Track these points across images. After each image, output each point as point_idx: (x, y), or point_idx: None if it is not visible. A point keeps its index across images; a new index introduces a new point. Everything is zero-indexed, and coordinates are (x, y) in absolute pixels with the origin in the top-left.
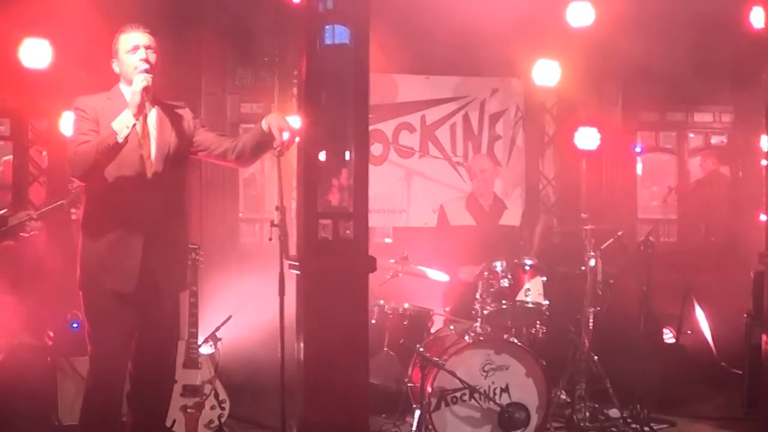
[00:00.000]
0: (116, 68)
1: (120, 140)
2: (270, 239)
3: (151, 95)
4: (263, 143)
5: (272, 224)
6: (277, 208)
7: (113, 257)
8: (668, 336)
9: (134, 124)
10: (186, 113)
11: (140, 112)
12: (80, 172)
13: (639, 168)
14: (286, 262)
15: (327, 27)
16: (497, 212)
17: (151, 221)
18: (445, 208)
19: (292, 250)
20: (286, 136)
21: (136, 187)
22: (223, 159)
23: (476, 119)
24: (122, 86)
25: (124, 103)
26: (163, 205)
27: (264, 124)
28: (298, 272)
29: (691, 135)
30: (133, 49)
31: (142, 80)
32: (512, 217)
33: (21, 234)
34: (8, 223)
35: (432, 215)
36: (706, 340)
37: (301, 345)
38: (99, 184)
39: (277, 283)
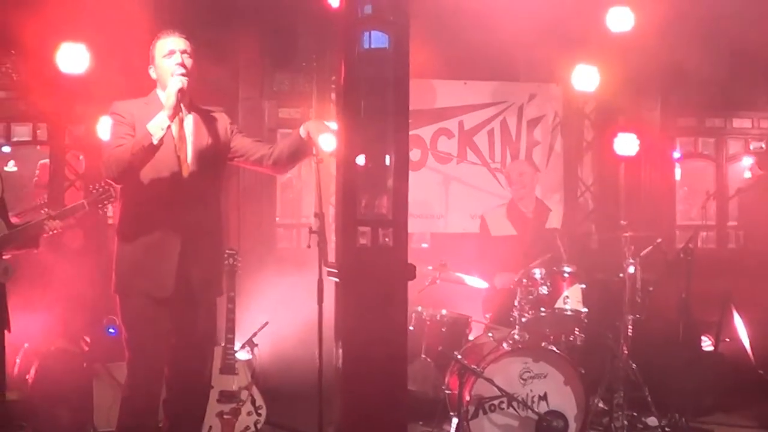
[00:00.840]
0: (153, 74)
1: (155, 142)
2: (308, 246)
3: (188, 99)
4: (300, 150)
5: (311, 231)
6: (315, 215)
7: (149, 262)
8: (706, 344)
9: (169, 126)
10: (223, 118)
11: (175, 114)
12: (115, 174)
13: (678, 174)
14: (325, 269)
15: (366, 33)
16: (541, 217)
17: (187, 226)
18: (486, 218)
19: (331, 257)
20: (324, 141)
21: (173, 192)
22: (260, 165)
23: (514, 125)
24: (159, 92)
25: (161, 108)
26: (199, 211)
27: (302, 131)
28: (336, 279)
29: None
30: (169, 54)
31: (177, 82)
32: (555, 219)
33: (41, 235)
34: (26, 231)
35: (470, 221)
36: (745, 348)
37: (340, 351)
38: (135, 188)
39: (315, 288)
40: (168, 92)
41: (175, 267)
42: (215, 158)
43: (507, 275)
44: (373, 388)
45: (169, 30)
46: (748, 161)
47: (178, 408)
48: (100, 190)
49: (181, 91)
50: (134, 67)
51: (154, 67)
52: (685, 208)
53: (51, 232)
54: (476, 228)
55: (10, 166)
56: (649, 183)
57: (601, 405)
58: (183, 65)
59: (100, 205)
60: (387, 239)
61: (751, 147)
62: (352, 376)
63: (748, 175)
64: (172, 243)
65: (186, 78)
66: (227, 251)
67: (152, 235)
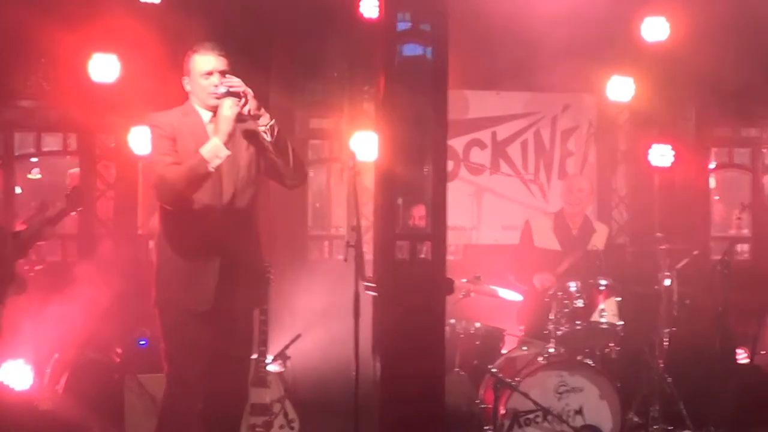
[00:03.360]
0: (187, 87)
1: (212, 169)
2: (345, 259)
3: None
4: (268, 151)
5: (348, 245)
6: (352, 228)
7: (189, 276)
8: (742, 356)
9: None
10: (255, 134)
11: (230, 139)
12: (170, 201)
13: (712, 184)
14: (362, 283)
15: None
16: (586, 236)
17: (226, 241)
18: (532, 224)
19: (366, 270)
20: (362, 152)
21: (212, 207)
22: (281, 182)
23: (548, 136)
24: (196, 106)
25: (199, 120)
26: (238, 225)
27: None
28: (374, 294)
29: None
30: (207, 74)
31: (233, 108)
32: (599, 240)
33: (37, 242)
34: (21, 236)
35: (503, 233)
36: None
37: (378, 365)
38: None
39: (348, 301)
40: (223, 115)
41: (215, 281)
42: (250, 173)
43: (546, 276)
44: (411, 401)
45: (207, 45)
46: None
47: (214, 420)
48: (75, 191)
49: (239, 116)
50: (164, 77)
51: (190, 81)
52: (719, 219)
53: (49, 239)
54: (509, 239)
55: (34, 174)
56: (684, 194)
57: (636, 419)
58: (233, 92)
59: (78, 208)
60: (425, 254)
61: None
62: (391, 390)
63: None
64: (213, 258)
65: (241, 101)
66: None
67: (192, 250)
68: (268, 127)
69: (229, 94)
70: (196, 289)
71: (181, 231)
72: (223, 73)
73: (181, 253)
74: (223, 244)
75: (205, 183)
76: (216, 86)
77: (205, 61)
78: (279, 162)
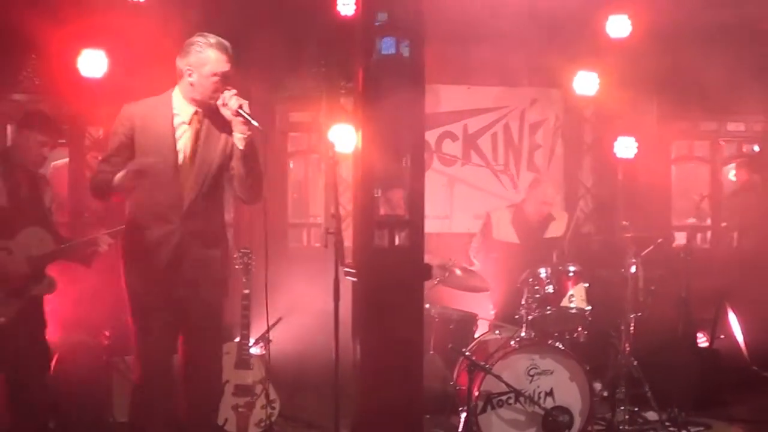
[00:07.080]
0: (189, 78)
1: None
2: (325, 246)
3: (208, 104)
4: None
5: (328, 232)
6: (333, 216)
7: (139, 269)
8: (702, 340)
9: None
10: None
11: (207, 141)
12: (93, 196)
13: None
14: (341, 269)
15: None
16: (543, 225)
17: (183, 233)
18: (492, 217)
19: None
20: (341, 143)
21: (172, 206)
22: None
23: (516, 128)
24: (178, 93)
25: (168, 118)
26: (197, 219)
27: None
28: (354, 279)
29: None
30: (222, 77)
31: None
32: (558, 228)
33: (96, 252)
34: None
35: (474, 221)
36: (739, 345)
37: (358, 348)
38: (136, 195)
39: (326, 286)
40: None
41: (162, 270)
42: (219, 172)
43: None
44: (389, 383)
45: (221, 42)
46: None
47: (191, 401)
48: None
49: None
50: (150, 71)
51: (195, 74)
52: (680, 209)
53: (105, 248)
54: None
55: None
56: (647, 184)
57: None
58: (243, 115)
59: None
60: (403, 240)
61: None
62: (370, 372)
63: (733, 178)
64: (163, 254)
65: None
66: (241, 250)
67: (145, 246)
68: (245, 136)
69: (239, 114)
70: (142, 283)
71: (137, 227)
72: (228, 77)
73: (135, 246)
74: (179, 236)
75: (166, 185)
76: (228, 98)
77: (220, 62)
78: (241, 171)
